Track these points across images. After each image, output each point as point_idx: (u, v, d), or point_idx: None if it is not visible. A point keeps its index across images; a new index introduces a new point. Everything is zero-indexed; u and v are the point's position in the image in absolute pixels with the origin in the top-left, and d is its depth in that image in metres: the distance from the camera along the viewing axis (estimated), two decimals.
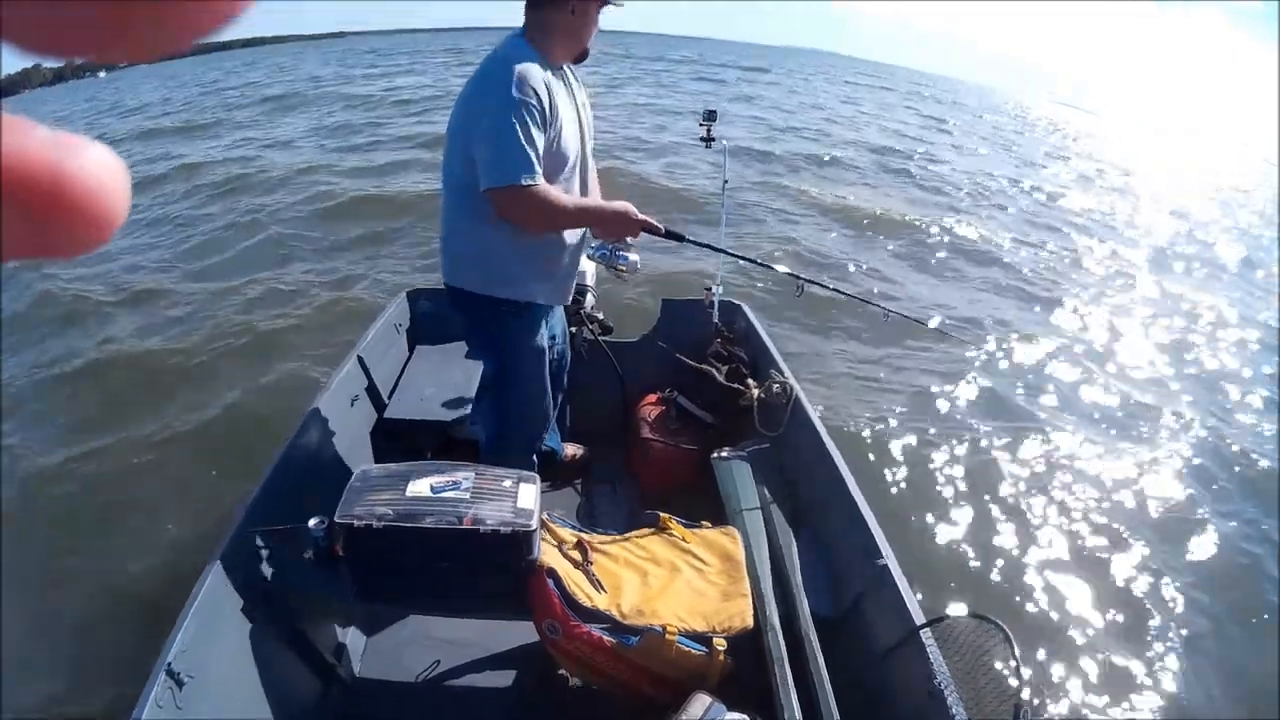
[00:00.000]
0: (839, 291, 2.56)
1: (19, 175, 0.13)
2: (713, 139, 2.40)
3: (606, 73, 24.15)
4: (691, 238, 1.98)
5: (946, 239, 7.44)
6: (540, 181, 1.53)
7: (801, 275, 2.30)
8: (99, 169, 0.13)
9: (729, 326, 2.60)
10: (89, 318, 4.73)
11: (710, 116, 2.39)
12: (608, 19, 1.68)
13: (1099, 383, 4.55)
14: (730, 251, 2.26)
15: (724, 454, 2.08)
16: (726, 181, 2.51)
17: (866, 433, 3.54)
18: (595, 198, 1.80)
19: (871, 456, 3.38)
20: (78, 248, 0.14)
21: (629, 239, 1.82)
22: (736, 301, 2.70)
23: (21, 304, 4.91)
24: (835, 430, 3.27)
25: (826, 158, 11.21)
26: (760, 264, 2.38)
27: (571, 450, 2.40)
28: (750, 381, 2.35)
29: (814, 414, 2.11)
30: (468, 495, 1.40)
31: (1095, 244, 8.38)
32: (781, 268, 2.42)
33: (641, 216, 1.71)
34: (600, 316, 2.37)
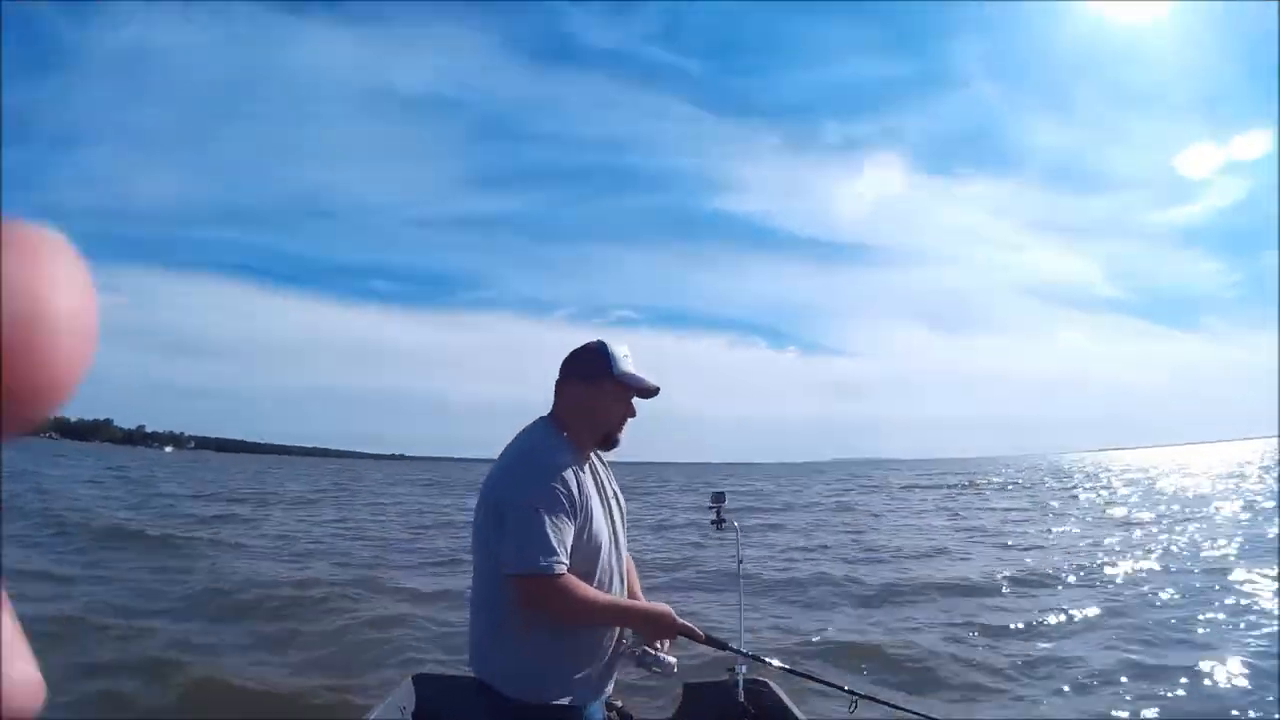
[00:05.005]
0: (907, 710, 2.16)
1: None
2: (723, 520, 2.38)
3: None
4: (735, 646, 1.89)
5: None
6: (565, 572, 1.45)
7: (858, 691, 1.98)
8: (15, 690, 0.14)
9: (756, 705, 2.44)
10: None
11: (718, 499, 2.38)
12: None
13: None
14: (787, 668, 2.00)
15: None
16: (741, 561, 2.45)
17: None
18: (638, 595, 1.74)
19: None
20: None
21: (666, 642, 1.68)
22: (763, 679, 2.54)
23: None
24: None
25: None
26: (816, 679, 2.11)
27: None
28: None
29: None
30: None
31: None
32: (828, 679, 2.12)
33: (681, 622, 1.61)
34: (619, 705, 2.17)
